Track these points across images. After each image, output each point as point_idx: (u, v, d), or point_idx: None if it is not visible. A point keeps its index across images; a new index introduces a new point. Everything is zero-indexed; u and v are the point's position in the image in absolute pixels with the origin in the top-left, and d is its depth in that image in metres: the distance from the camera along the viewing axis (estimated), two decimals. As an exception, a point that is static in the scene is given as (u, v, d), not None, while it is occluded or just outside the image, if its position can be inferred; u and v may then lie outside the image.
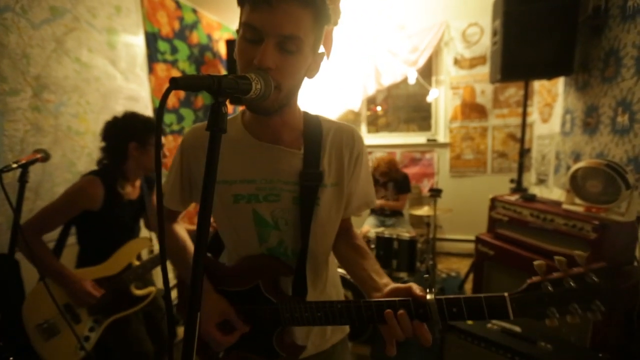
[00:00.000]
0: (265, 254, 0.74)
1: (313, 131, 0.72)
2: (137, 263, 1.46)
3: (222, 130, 0.42)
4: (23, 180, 0.99)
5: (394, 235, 2.24)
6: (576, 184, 1.65)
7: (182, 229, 0.85)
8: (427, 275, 0.70)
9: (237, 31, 0.62)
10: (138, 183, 1.53)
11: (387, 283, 0.66)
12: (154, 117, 1.45)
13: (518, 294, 0.56)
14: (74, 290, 1.26)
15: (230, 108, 3.51)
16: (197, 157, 0.73)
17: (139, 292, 1.45)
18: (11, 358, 0.92)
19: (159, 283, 2.42)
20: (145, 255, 1.59)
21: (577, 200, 1.67)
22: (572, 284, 0.53)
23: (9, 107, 1.62)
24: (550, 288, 0.54)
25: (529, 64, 2.22)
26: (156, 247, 1.64)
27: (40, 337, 1.24)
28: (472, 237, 2.24)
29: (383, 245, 2.26)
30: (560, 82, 2.57)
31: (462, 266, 3.25)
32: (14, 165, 0.98)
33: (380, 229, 2.46)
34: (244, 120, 0.73)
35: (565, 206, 1.70)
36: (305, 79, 0.66)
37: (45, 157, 1.11)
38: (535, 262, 0.55)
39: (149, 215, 1.61)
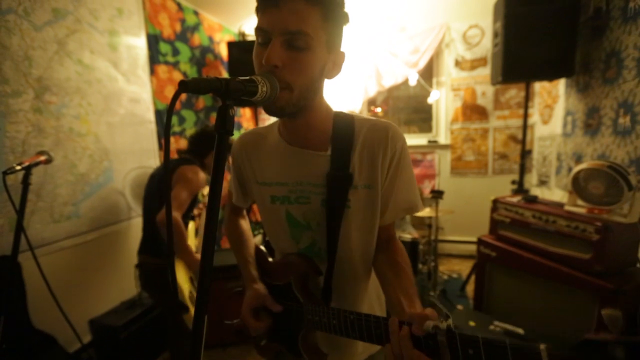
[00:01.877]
0: (300, 253, 0.76)
1: (342, 131, 0.69)
2: None
3: (229, 132, 0.42)
4: (26, 182, 0.99)
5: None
6: (578, 186, 1.65)
7: (246, 222, 0.94)
8: (433, 297, 0.61)
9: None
10: None
11: (415, 311, 0.57)
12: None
13: (565, 353, 0.41)
14: (196, 266, 1.50)
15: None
16: (247, 159, 0.79)
17: None
18: (14, 360, 0.91)
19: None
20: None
21: (580, 202, 1.67)
22: None
23: (10, 108, 1.62)
24: (621, 354, 0.39)
25: (530, 65, 2.22)
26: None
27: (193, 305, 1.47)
28: (474, 239, 2.24)
29: (409, 259, 2.24)
30: (561, 84, 2.57)
31: (464, 268, 3.24)
32: (18, 167, 0.98)
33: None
34: (279, 126, 0.75)
35: (567, 207, 1.70)
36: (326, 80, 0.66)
37: (49, 159, 1.11)
38: (606, 311, 0.39)
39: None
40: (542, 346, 0.41)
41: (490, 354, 0.45)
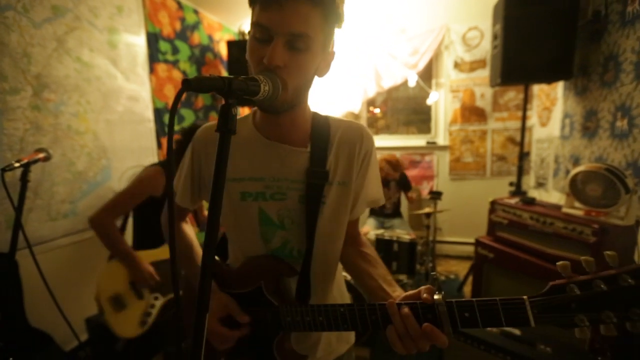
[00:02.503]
0: (270, 255, 0.73)
1: (320, 130, 0.72)
2: None
3: (232, 131, 0.42)
4: (25, 179, 0.99)
5: (394, 237, 2.24)
6: (576, 188, 1.66)
7: (190, 229, 0.87)
8: (434, 273, 0.62)
9: (249, 32, 0.63)
10: None
11: (399, 295, 0.62)
12: None
13: (540, 298, 0.49)
14: (138, 271, 1.45)
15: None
16: (207, 155, 0.73)
17: None
18: (11, 358, 0.91)
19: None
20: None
21: (577, 204, 1.68)
22: (603, 286, 0.46)
23: (8, 105, 1.62)
24: (577, 291, 0.47)
25: (529, 68, 2.23)
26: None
27: (112, 309, 1.43)
28: (471, 240, 2.25)
29: (383, 247, 2.26)
30: (559, 86, 2.58)
31: (461, 269, 3.26)
32: (16, 165, 0.97)
33: (380, 231, 2.46)
34: (255, 119, 0.73)
35: (565, 210, 1.71)
36: (316, 78, 0.66)
37: (47, 157, 1.11)
38: (559, 263, 0.50)
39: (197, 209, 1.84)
40: (525, 297, 0.50)
41: (484, 312, 0.51)
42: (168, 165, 0.39)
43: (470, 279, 2.44)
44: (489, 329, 1.67)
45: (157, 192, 1.54)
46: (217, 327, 0.68)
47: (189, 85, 0.38)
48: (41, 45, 1.75)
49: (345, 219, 0.74)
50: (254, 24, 0.59)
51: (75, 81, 1.93)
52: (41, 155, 1.08)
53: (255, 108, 0.70)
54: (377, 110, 4.00)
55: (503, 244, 1.98)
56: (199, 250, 0.81)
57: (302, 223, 0.70)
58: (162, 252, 1.56)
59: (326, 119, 0.74)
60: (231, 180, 0.71)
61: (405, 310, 0.54)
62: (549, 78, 2.35)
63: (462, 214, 3.25)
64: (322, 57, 0.63)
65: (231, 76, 0.43)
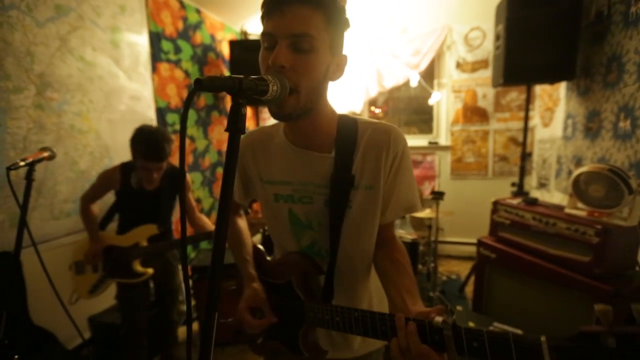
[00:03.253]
0: (302, 252, 0.77)
1: (346, 134, 0.71)
2: (144, 244, 1.72)
3: (241, 131, 0.43)
4: (29, 178, 0.99)
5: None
6: (579, 189, 1.66)
7: (243, 221, 0.95)
8: (438, 294, 0.62)
9: (261, 40, 0.66)
10: (157, 177, 1.68)
11: (416, 309, 0.59)
12: (157, 142, 1.58)
13: (563, 343, 0.43)
14: (88, 247, 1.68)
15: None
16: (253, 157, 0.79)
17: (138, 269, 1.71)
18: (16, 357, 0.91)
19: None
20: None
21: (580, 205, 1.67)
22: None
23: (12, 104, 1.62)
24: (613, 344, 0.40)
25: (531, 68, 2.23)
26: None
27: (74, 271, 1.71)
28: (473, 240, 2.24)
29: (409, 257, 2.24)
30: (562, 87, 2.58)
31: (462, 269, 3.25)
32: (22, 163, 0.98)
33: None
34: (285, 127, 0.76)
35: (567, 210, 1.71)
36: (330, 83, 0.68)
37: (52, 156, 1.11)
38: (599, 308, 0.43)
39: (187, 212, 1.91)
40: (543, 337, 0.44)
41: (494, 346, 0.47)
42: (181, 163, 0.39)
43: (472, 279, 2.44)
44: (491, 328, 1.67)
45: (115, 187, 1.70)
46: (246, 316, 0.75)
47: (201, 85, 0.39)
48: (44, 44, 1.76)
49: (373, 223, 0.74)
50: (262, 35, 0.62)
51: (78, 80, 1.94)
52: (46, 154, 1.08)
53: None
54: (377, 111, 4.00)
55: (505, 244, 1.98)
56: (248, 242, 0.89)
57: (328, 225, 0.72)
58: (120, 240, 1.72)
59: (354, 121, 0.73)
60: (266, 182, 0.77)
61: (411, 326, 0.53)
62: (551, 79, 2.35)
63: (464, 214, 3.24)
64: (332, 60, 0.65)
65: (241, 76, 0.43)
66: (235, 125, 0.42)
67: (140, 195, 1.69)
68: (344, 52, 0.68)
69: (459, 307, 1.99)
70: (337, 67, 0.67)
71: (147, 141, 1.55)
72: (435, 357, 0.51)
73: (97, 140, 2.05)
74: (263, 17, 0.63)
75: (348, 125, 0.72)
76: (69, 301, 1.64)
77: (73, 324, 1.19)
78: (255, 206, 2.04)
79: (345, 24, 0.64)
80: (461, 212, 3.14)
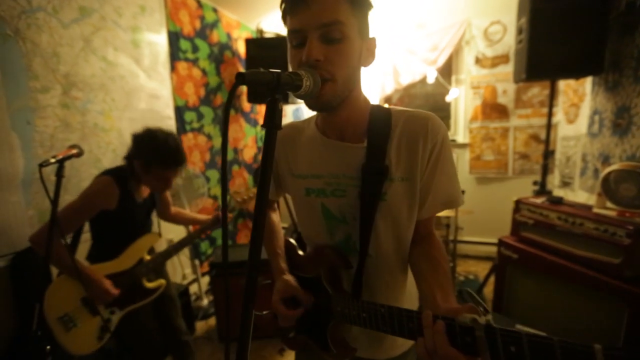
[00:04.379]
0: (332, 246, 0.76)
1: (379, 123, 0.68)
2: (147, 257, 1.54)
3: (278, 126, 0.42)
4: (59, 174, 1.02)
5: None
6: (608, 187, 1.59)
7: (276, 215, 0.94)
8: (470, 291, 0.57)
9: (288, 39, 0.65)
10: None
11: (449, 307, 0.55)
12: (175, 150, 1.42)
13: (619, 353, 0.38)
14: (93, 288, 1.31)
15: (247, 106, 3.51)
16: (283, 152, 0.79)
17: (150, 285, 1.53)
18: (48, 347, 0.95)
19: (173, 276, 2.43)
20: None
21: (609, 204, 1.61)
22: None
23: (40, 104, 1.67)
24: None
25: (556, 63, 2.15)
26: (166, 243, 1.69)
27: (62, 329, 1.30)
28: (491, 240, 2.19)
29: (445, 254, 2.22)
30: (587, 82, 2.48)
31: (480, 269, 3.19)
32: (52, 160, 1.01)
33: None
34: (317, 119, 0.75)
35: (596, 210, 1.64)
36: (362, 69, 0.66)
37: (80, 153, 1.14)
38: None
39: (158, 207, 1.72)
40: (598, 346, 0.38)
41: (536, 353, 0.41)
42: (223, 162, 0.39)
43: (491, 280, 2.38)
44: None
45: (110, 206, 1.36)
46: (279, 306, 0.74)
47: (243, 79, 0.39)
48: (69, 45, 1.81)
49: (409, 217, 0.70)
50: (289, 33, 0.61)
51: (101, 80, 1.99)
52: (74, 151, 1.12)
53: None
54: (393, 108, 3.95)
55: (528, 244, 1.92)
56: (280, 236, 0.89)
57: (360, 218, 0.71)
58: (119, 264, 1.44)
59: (388, 111, 0.71)
60: (297, 176, 0.76)
61: (439, 325, 0.49)
62: (577, 73, 2.26)
63: (482, 213, 3.17)
64: (362, 44, 0.63)
65: (278, 70, 0.43)
66: (272, 121, 0.41)
67: (139, 207, 1.52)
68: (371, 34, 0.66)
69: (479, 308, 1.95)
70: (367, 51, 0.65)
71: (165, 147, 1.38)
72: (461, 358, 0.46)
73: (119, 138, 2.10)
74: (286, 15, 0.61)
75: (381, 115, 0.69)
76: None
77: (100, 317, 1.23)
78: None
79: (368, 5, 0.63)
80: (480, 211, 3.07)
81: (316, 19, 0.57)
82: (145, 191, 1.55)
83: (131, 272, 1.45)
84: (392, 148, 0.67)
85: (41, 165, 0.97)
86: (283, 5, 0.61)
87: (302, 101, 0.64)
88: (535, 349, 0.42)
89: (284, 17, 0.62)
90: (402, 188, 0.68)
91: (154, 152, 1.38)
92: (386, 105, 0.75)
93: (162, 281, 1.56)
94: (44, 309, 1.27)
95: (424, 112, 0.69)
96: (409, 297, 0.81)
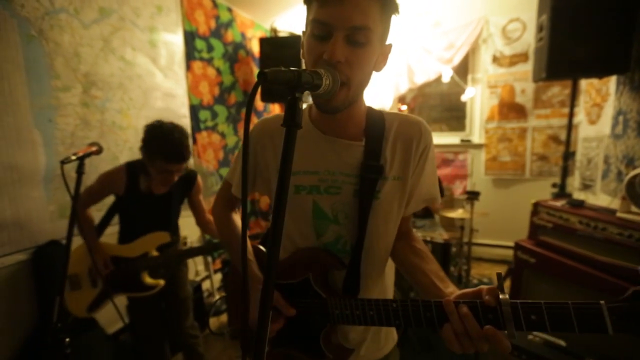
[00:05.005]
0: (320, 247, 0.73)
1: (375, 124, 0.71)
2: (154, 254, 1.54)
3: (298, 125, 0.42)
4: (80, 171, 1.05)
5: (427, 238, 2.18)
6: (634, 191, 1.53)
7: (239, 218, 0.87)
8: (499, 273, 0.58)
9: (303, 32, 0.63)
10: (176, 178, 1.54)
11: (452, 292, 0.60)
12: (176, 136, 1.42)
13: (620, 303, 0.46)
14: (93, 259, 1.44)
15: (261, 105, 3.53)
16: (263, 147, 0.75)
17: (148, 281, 1.53)
18: (67, 339, 0.97)
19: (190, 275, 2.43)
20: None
21: (634, 209, 1.54)
22: None
23: (61, 102, 1.72)
24: None
25: (578, 61, 2.07)
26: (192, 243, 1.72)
27: (68, 286, 1.45)
28: (507, 243, 2.14)
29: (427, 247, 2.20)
30: (612, 81, 2.39)
31: (494, 272, 3.12)
32: (73, 157, 1.03)
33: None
34: (311, 114, 0.74)
35: (620, 214, 1.58)
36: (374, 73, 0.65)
37: (99, 150, 1.17)
38: None
39: (193, 212, 1.73)
40: (602, 301, 0.46)
41: (554, 317, 0.48)
42: (244, 158, 0.39)
43: (506, 283, 2.33)
44: (530, 337, 1.59)
45: (118, 191, 1.48)
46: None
47: (265, 78, 0.38)
48: (89, 45, 1.85)
49: (398, 214, 0.73)
50: (312, 21, 0.59)
51: (119, 79, 2.03)
52: (94, 148, 1.14)
53: (311, 103, 0.71)
54: (404, 107, 3.91)
55: (546, 248, 1.86)
56: (248, 241, 0.83)
57: (355, 217, 0.70)
58: (126, 250, 1.51)
59: (380, 113, 0.73)
60: None
61: (464, 309, 0.52)
62: (601, 72, 2.18)
63: (498, 215, 3.10)
64: (380, 50, 0.62)
65: (299, 69, 0.42)
66: (293, 120, 0.41)
67: (149, 199, 1.52)
68: (389, 41, 0.65)
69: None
70: (382, 56, 0.65)
71: (168, 141, 1.38)
72: (500, 336, 0.49)
73: (135, 136, 2.14)
74: (314, 2, 0.58)
75: (375, 116, 0.72)
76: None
77: (116, 310, 1.25)
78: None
79: (397, 10, 0.62)
80: (496, 213, 3.01)
81: (347, 19, 0.55)
82: (159, 188, 1.54)
83: (132, 262, 1.51)
84: (386, 148, 0.70)
85: (62, 162, 1.00)
86: None
87: (311, 100, 0.64)
88: (553, 313, 0.48)
89: (307, 2, 0.60)
90: (395, 187, 0.70)
91: (155, 144, 1.40)
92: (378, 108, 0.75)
93: (160, 281, 1.54)
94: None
95: (415, 117, 0.73)
96: (389, 289, 0.84)
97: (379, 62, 0.65)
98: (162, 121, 1.46)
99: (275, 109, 3.63)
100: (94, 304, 1.49)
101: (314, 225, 0.72)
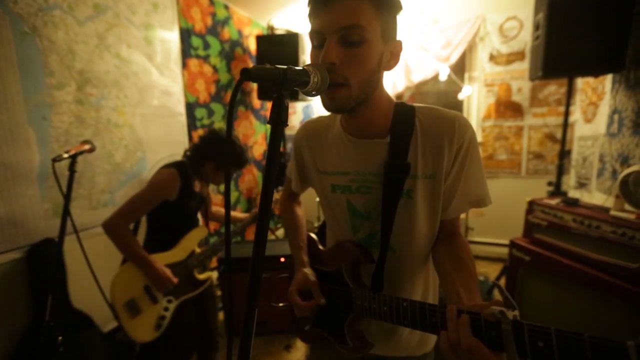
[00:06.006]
0: (354, 241, 0.77)
1: (402, 121, 0.69)
2: (198, 250, 1.60)
3: (284, 123, 0.42)
4: (72, 169, 1.04)
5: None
6: (627, 190, 1.54)
7: (301, 209, 0.98)
8: (496, 282, 0.56)
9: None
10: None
11: (475, 304, 0.54)
12: (243, 150, 1.57)
13: None
14: (155, 276, 1.39)
15: (258, 103, 3.51)
16: (309, 147, 0.80)
17: (201, 276, 1.60)
18: (60, 337, 0.97)
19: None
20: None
21: (628, 207, 1.55)
22: None
23: (55, 100, 1.71)
24: None
25: (574, 59, 2.08)
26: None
27: (127, 314, 1.38)
28: (503, 241, 2.14)
29: (471, 254, 2.19)
30: (607, 80, 2.39)
31: (490, 270, 3.13)
32: (65, 155, 1.03)
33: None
34: (342, 116, 0.76)
35: (613, 212, 1.59)
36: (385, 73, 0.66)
37: (92, 148, 1.17)
38: None
39: (207, 205, 1.80)
40: (630, 342, 0.37)
41: (565, 349, 0.40)
42: (226, 155, 0.39)
43: (501, 281, 2.34)
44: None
45: (171, 196, 1.46)
46: (295, 297, 0.76)
47: (248, 75, 0.38)
48: (84, 42, 1.84)
49: (432, 214, 0.71)
50: (310, 33, 0.62)
51: (115, 76, 2.02)
52: (87, 146, 1.14)
53: None
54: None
55: (541, 246, 1.87)
56: (303, 229, 0.92)
57: (382, 214, 0.71)
58: (175, 255, 1.52)
59: (412, 108, 0.71)
60: (323, 173, 0.78)
61: (464, 318, 0.49)
62: (597, 70, 2.18)
63: (494, 213, 3.11)
64: (384, 48, 0.62)
65: (285, 66, 0.42)
66: (279, 117, 0.41)
67: (194, 201, 1.59)
68: (398, 37, 0.65)
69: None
70: (391, 55, 0.65)
71: (242, 153, 1.55)
72: (487, 354, 0.45)
73: (131, 134, 2.14)
74: (310, 16, 0.62)
75: (404, 113, 0.70)
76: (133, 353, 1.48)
77: (110, 309, 1.25)
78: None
79: (397, 7, 0.62)
80: (491, 211, 3.02)
81: (335, 22, 0.57)
82: (198, 187, 1.62)
83: (185, 263, 1.53)
84: (414, 145, 0.68)
85: (54, 160, 0.99)
86: (309, 7, 0.62)
87: (311, 98, 0.65)
88: (564, 344, 0.40)
89: (309, 17, 0.63)
90: (426, 185, 0.69)
91: (234, 156, 1.53)
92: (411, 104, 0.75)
93: (210, 273, 1.63)
94: (110, 296, 1.35)
95: (451, 112, 0.69)
96: (432, 295, 0.82)
97: (387, 60, 0.64)
98: (222, 132, 1.57)
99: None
100: (160, 319, 1.44)
101: (350, 222, 0.76)
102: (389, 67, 0.65)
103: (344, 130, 0.74)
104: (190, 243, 1.57)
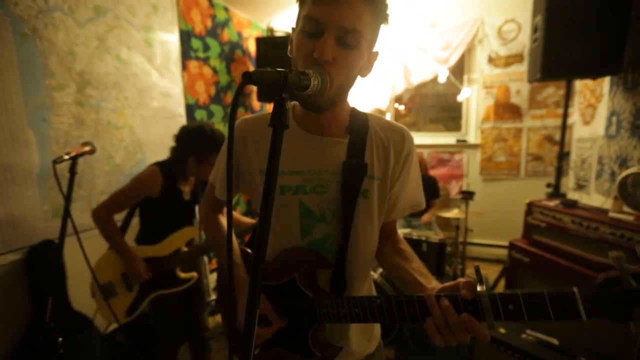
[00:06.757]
0: (305, 247, 0.72)
1: (359, 125, 0.72)
2: (185, 249, 1.60)
3: (286, 126, 0.42)
4: (72, 171, 1.04)
5: (422, 237, 2.19)
6: (625, 191, 1.55)
7: (225, 220, 0.87)
8: (477, 265, 0.57)
9: (293, 29, 0.64)
10: (193, 179, 1.67)
11: (435, 287, 0.62)
12: (221, 134, 1.56)
13: (591, 290, 0.49)
14: (133, 265, 1.46)
15: (257, 105, 3.52)
16: (244, 147, 0.73)
17: (182, 275, 1.60)
18: (60, 339, 0.97)
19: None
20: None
21: (626, 209, 1.56)
22: None
23: (55, 101, 1.71)
24: (634, 283, 0.46)
25: (572, 62, 2.09)
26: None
27: (103, 295, 1.45)
28: (501, 243, 2.15)
29: (411, 247, 2.21)
30: (605, 82, 2.41)
31: (490, 272, 3.14)
32: (66, 157, 1.03)
33: (407, 230, 2.41)
34: (295, 113, 0.74)
35: (612, 214, 1.60)
36: (359, 78, 0.66)
37: (92, 150, 1.17)
38: (612, 254, 0.49)
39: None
40: (575, 289, 0.48)
41: (530, 306, 0.50)
42: (229, 157, 0.39)
43: (500, 283, 2.34)
44: (523, 336, 1.60)
45: (154, 193, 1.50)
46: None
47: (249, 78, 0.39)
48: (84, 44, 1.84)
49: (381, 214, 0.74)
50: (304, 17, 0.58)
51: (115, 78, 2.02)
52: (87, 148, 1.14)
53: (294, 102, 0.71)
54: (401, 107, 3.92)
55: (540, 248, 1.88)
56: (235, 244, 0.83)
57: (341, 216, 0.70)
58: (158, 250, 1.55)
59: (364, 115, 0.75)
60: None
61: (445, 302, 0.54)
62: (595, 73, 2.19)
63: (493, 215, 3.12)
64: (367, 56, 0.63)
65: (285, 69, 0.42)
66: (280, 120, 0.41)
67: (181, 199, 1.61)
68: (375, 48, 0.67)
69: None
70: (368, 63, 0.66)
71: (214, 136, 1.52)
72: (477, 324, 0.52)
73: (131, 136, 2.14)
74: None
75: (359, 117, 0.74)
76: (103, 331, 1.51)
77: (110, 310, 1.25)
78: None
79: (387, 20, 0.63)
80: (491, 213, 3.02)
81: (340, 19, 0.55)
82: (188, 186, 1.62)
83: (167, 260, 1.55)
84: (369, 147, 0.71)
85: (55, 162, 0.99)
86: None
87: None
88: (529, 302, 0.50)
89: (303, 1, 0.60)
90: (380, 187, 0.72)
91: (205, 142, 1.50)
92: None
93: (194, 274, 1.63)
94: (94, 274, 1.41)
95: (398, 124, 0.76)
96: (374, 289, 0.86)
97: (365, 68, 0.65)
98: (193, 126, 1.57)
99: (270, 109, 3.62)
100: (132, 307, 1.51)
101: (301, 225, 0.71)
102: (364, 74, 0.67)
103: (300, 127, 0.71)
104: (177, 241, 1.58)
